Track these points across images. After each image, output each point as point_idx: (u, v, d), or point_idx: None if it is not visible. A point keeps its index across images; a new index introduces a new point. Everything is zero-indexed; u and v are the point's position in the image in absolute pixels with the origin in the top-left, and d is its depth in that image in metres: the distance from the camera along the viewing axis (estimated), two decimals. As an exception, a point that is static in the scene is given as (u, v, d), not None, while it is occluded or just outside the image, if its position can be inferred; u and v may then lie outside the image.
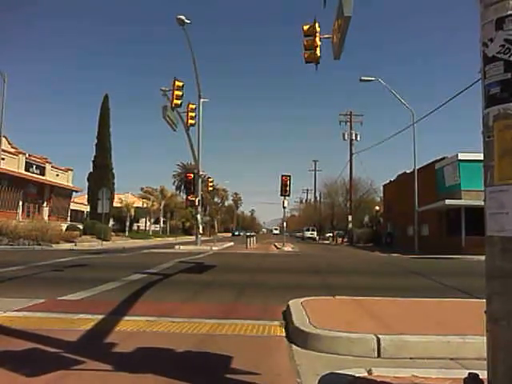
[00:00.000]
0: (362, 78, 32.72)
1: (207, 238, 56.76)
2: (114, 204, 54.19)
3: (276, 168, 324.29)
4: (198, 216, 30.56)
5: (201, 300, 8.00)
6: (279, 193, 31.58)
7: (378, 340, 4.31)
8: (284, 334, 5.20)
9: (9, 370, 3.61)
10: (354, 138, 51.39)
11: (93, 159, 48.14)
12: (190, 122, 25.78)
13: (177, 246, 29.67)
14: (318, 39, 11.91)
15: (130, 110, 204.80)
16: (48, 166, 43.23)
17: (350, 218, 51.12)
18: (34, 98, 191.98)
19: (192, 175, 30.01)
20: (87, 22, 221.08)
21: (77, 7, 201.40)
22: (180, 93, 21.93)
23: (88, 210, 51.89)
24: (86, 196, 50.85)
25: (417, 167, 34.99)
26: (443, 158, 33.45)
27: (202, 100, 30.30)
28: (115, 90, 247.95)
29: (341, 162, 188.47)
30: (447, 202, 29.08)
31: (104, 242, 35.76)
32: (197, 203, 29.84)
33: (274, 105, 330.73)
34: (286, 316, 6.03)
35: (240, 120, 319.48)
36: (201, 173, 30.52)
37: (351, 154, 51.22)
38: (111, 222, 63.00)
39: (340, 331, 4.54)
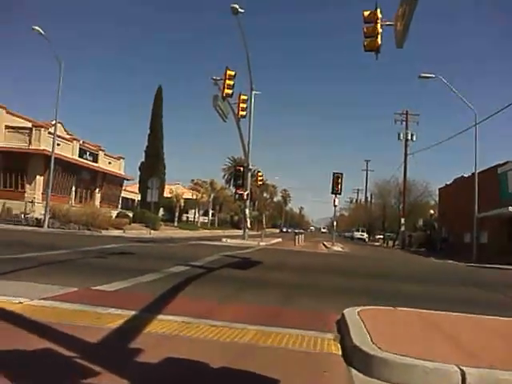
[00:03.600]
0: (422, 74, 31.03)
1: (255, 233, 56.19)
2: (165, 194, 54.84)
3: (327, 166, 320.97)
4: (246, 210, 30.00)
5: (244, 300, 7.25)
6: (330, 191, 30.52)
7: (463, 374, 3.39)
8: (340, 352, 4.36)
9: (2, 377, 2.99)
10: (409, 137, 49.39)
11: (145, 149, 48.88)
12: (241, 113, 25.10)
13: (224, 239, 29.22)
14: (379, 26, 11.01)
15: (183, 101, 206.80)
16: (101, 154, 43.91)
17: (402, 220, 49.16)
18: (89, 87, 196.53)
19: (242, 168, 29.39)
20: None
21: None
22: (231, 82, 21.29)
23: (139, 198, 52.66)
24: (138, 185, 51.54)
25: (477, 171, 33.09)
26: (507, 163, 31.32)
27: (253, 92, 29.69)
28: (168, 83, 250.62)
29: (394, 163, 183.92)
30: (511, 208, 27.11)
31: (152, 231, 35.88)
32: (245, 197, 29.24)
33: (326, 101, 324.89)
34: (341, 328, 5.21)
35: (292, 119, 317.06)
36: (250, 166, 29.88)
37: (406, 155, 49.20)
38: (161, 212, 63.92)
39: (413, 358, 3.64)
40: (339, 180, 29.81)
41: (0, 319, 4.58)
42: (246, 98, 25.53)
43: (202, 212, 77.95)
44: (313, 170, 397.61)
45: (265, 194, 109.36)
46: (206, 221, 73.12)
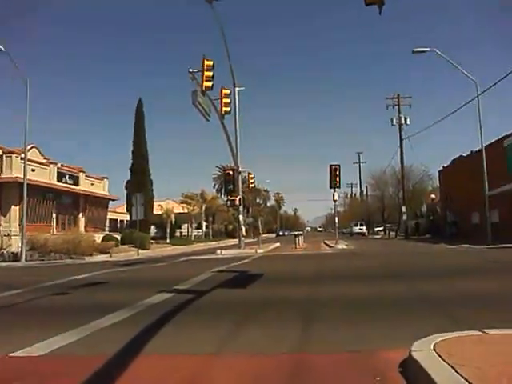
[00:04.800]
0: (415, 49, 28.93)
1: (251, 240, 53.86)
2: (155, 211, 52.52)
3: (316, 163, 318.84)
4: (240, 217, 27.61)
5: (249, 343, 4.86)
6: (328, 185, 28.12)
7: None
8: None
9: None
10: (403, 122, 47.39)
11: (130, 166, 46.54)
12: (225, 109, 22.69)
13: (218, 251, 26.80)
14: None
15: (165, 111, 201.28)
16: (82, 176, 41.32)
17: (404, 208, 47.03)
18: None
19: (231, 172, 27.04)
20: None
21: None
22: (210, 73, 18.90)
23: (128, 218, 50.16)
24: (126, 204, 49.04)
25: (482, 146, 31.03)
26: (514, 133, 29.30)
27: (237, 89, 27.42)
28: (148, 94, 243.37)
29: (387, 152, 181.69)
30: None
31: (142, 251, 33.41)
32: (238, 203, 26.84)
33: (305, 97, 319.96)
34: (414, 379, 2.91)
35: (278, 118, 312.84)
36: (240, 169, 27.55)
37: (401, 140, 47.20)
38: (153, 230, 61.52)
39: None
40: (337, 172, 27.49)
41: None
42: (228, 92, 23.22)
43: (195, 225, 75.59)
44: (302, 169, 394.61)
45: (258, 200, 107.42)
46: (201, 234, 70.76)
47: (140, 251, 32.64)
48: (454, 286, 8.61)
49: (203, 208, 66.88)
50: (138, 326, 5.72)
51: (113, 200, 47.16)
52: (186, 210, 67.69)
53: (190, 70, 18.86)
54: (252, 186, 31.47)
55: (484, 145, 29.07)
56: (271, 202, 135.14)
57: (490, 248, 22.86)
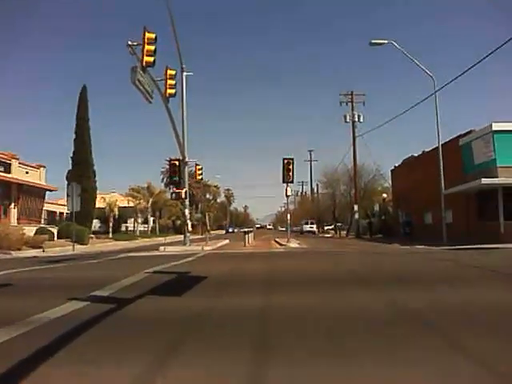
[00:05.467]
0: (373, 41, 27.83)
1: (200, 237, 51.81)
2: (98, 204, 49.59)
3: (267, 160, 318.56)
4: (186, 211, 25.57)
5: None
6: (281, 179, 26.53)
7: None
8: None
9: None
10: (356, 119, 46.68)
11: (71, 155, 43.38)
12: (169, 91, 20.48)
13: (162, 248, 24.70)
14: None
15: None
16: (15, 163, 37.82)
17: (355, 207, 46.33)
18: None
19: (177, 162, 24.93)
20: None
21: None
22: (152, 47, 16.69)
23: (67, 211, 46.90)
24: (66, 196, 45.68)
25: (434, 145, 30.41)
26: (469, 132, 28.70)
27: (184, 73, 25.36)
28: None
29: (340, 151, 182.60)
30: (484, 180, 24.25)
31: (80, 247, 30.82)
32: (183, 195, 24.80)
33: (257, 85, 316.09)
34: None
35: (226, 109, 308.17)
36: (187, 159, 25.51)
37: (354, 137, 46.48)
38: (97, 224, 58.36)
39: None
40: (290, 166, 25.91)
41: None
42: (173, 72, 21.02)
43: (142, 220, 72.69)
44: (251, 166, 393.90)
45: (208, 195, 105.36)
46: (147, 229, 67.97)
47: (77, 246, 30.04)
48: (437, 297, 7.06)
49: (150, 202, 64.11)
50: (11, 359, 3.78)
51: (50, 191, 43.75)
52: (131, 204, 64.86)
53: (129, 42, 16.61)
54: (199, 177, 29.36)
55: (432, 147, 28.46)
56: (221, 199, 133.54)
57: (449, 250, 21.92)
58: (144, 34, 16.60)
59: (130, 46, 16.65)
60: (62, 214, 57.34)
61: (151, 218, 70.16)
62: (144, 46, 16.58)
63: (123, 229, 64.49)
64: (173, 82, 20.81)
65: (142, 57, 16.64)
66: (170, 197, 34.15)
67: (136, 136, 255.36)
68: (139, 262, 15.48)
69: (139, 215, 67.91)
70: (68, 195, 28.21)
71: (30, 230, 32.41)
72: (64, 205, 51.45)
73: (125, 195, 68.53)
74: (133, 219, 67.08)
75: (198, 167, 27.58)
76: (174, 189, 26.08)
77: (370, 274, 10.17)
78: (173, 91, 20.90)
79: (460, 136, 29.58)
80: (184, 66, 24.89)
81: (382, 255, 18.15)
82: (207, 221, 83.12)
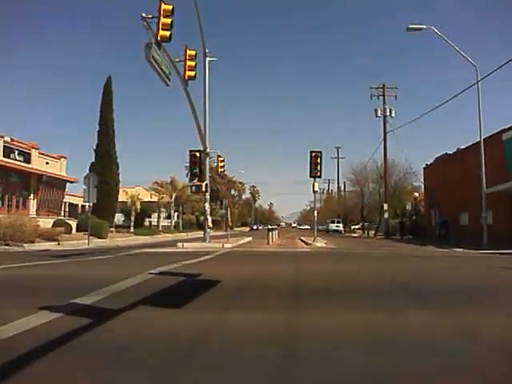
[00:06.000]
0: (410, 25, 25.79)
1: (222, 233, 50.43)
2: (121, 198, 48.91)
3: (291, 158, 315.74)
4: (206, 205, 24.06)
5: None
6: (308, 174, 24.77)
7: None
8: None
9: None
10: (387, 113, 44.46)
11: (95, 148, 42.81)
12: (189, 73, 18.88)
13: (180, 244, 23.31)
14: None
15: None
16: (34, 153, 36.97)
17: (385, 206, 44.16)
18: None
19: (198, 153, 23.44)
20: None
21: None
22: (168, 20, 15.01)
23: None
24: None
25: (474, 141, 28.23)
26: (516, 125, 26.46)
27: (207, 59, 23.86)
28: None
29: (368, 148, 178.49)
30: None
31: (97, 240, 29.75)
32: (204, 189, 23.29)
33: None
34: None
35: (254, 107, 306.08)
36: (208, 150, 24.00)
37: (385, 132, 44.25)
38: (121, 218, 57.71)
39: None
40: (318, 160, 24.10)
41: None
42: (193, 53, 19.44)
43: (165, 215, 71.82)
44: (280, 163, 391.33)
45: (233, 192, 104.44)
46: (170, 224, 67.01)
47: (95, 240, 29.01)
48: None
49: (173, 197, 63.03)
50: None
51: (71, 182, 42.95)
52: (155, 199, 64.01)
53: (143, 15, 15.07)
54: (221, 170, 27.80)
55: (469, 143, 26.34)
56: (247, 195, 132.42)
57: (493, 254, 19.91)
58: (160, 6, 15.04)
59: (144, 18, 15.12)
60: (83, 206, 56.69)
61: (175, 214, 69.16)
62: (160, 19, 15.05)
63: (147, 223, 63.73)
64: (192, 64, 19.26)
65: (158, 31, 15.10)
66: (190, 191, 32.67)
67: (162, 131, 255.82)
68: (150, 260, 14.03)
69: (162, 210, 67.05)
70: (85, 186, 27.04)
71: (47, 222, 31.51)
72: (85, 197, 50.88)
73: (148, 189, 67.82)
74: (156, 214, 66.28)
75: (220, 159, 26.06)
76: (195, 181, 24.62)
77: (425, 287, 8.18)
78: (192, 73, 19.33)
79: (503, 131, 27.32)
80: (207, 50, 23.39)
81: (425, 260, 16.26)
82: (229, 217, 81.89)
